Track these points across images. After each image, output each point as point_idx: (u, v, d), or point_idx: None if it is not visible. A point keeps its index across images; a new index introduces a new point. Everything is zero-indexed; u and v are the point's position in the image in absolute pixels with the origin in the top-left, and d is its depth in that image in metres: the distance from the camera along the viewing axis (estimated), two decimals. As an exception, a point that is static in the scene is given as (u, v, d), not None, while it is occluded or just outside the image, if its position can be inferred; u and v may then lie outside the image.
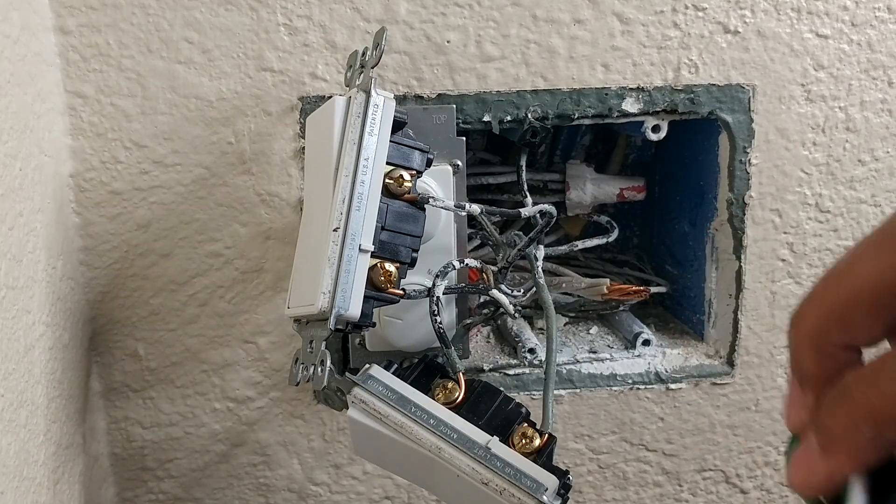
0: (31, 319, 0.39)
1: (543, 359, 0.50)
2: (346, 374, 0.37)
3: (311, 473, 0.52)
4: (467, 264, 0.43)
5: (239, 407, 0.50)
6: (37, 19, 0.42)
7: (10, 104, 0.37)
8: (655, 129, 0.48)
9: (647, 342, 0.53)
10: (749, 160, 0.48)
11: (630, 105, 0.47)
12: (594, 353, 0.53)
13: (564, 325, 0.57)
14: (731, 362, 0.52)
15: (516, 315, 0.45)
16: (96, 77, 0.44)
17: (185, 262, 0.47)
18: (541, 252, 0.45)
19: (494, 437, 0.36)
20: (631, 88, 0.47)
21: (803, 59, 0.47)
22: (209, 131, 0.45)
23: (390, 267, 0.37)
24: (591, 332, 0.56)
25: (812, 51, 0.47)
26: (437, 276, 0.41)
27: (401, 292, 0.38)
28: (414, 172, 0.39)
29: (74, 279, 0.46)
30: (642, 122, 0.48)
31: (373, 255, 0.37)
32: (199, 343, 0.49)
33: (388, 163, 0.38)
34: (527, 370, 0.51)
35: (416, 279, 0.43)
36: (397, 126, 0.38)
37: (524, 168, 0.51)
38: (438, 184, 0.44)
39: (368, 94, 0.37)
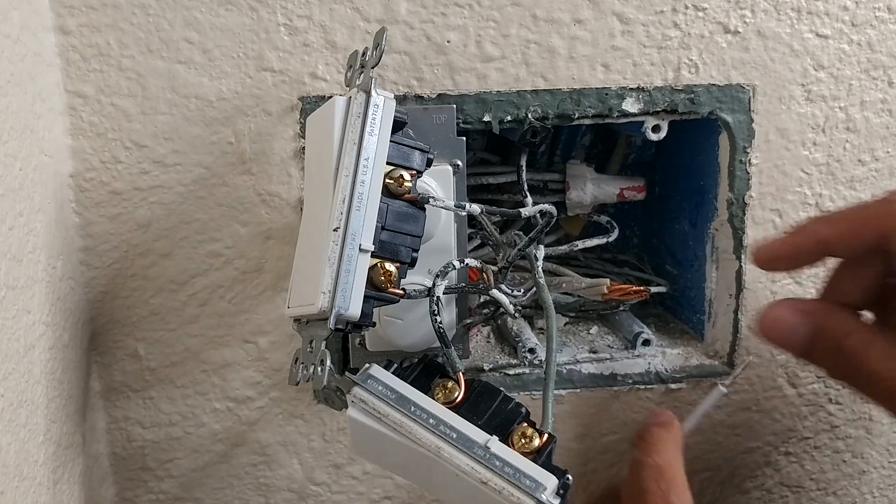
0: (31, 319, 0.39)
1: (543, 359, 0.50)
2: (346, 373, 0.37)
3: (311, 473, 0.52)
4: (467, 264, 0.43)
5: (239, 407, 0.50)
6: (37, 19, 0.42)
7: (10, 104, 0.37)
8: (655, 129, 0.48)
9: (646, 342, 0.53)
10: (749, 160, 0.48)
11: (630, 105, 0.47)
12: (594, 353, 0.53)
13: (564, 325, 0.57)
14: (731, 362, 0.52)
15: (516, 315, 0.45)
16: (96, 77, 0.44)
17: (185, 262, 0.47)
18: (541, 252, 0.45)
19: (494, 436, 0.36)
20: (631, 88, 0.47)
21: (803, 59, 0.47)
22: (209, 131, 0.45)
23: (390, 267, 0.37)
24: (591, 332, 0.56)
25: (812, 51, 0.47)
26: (437, 275, 0.41)
27: (401, 292, 0.38)
28: (414, 172, 0.39)
29: (74, 279, 0.46)
30: (642, 122, 0.48)
31: (373, 255, 0.36)
32: (199, 343, 0.49)
33: (388, 163, 0.38)
34: (527, 370, 0.51)
35: (416, 279, 0.43)
36: (397, 126, 0.38)
37: (524, 168, 0.51)
38: (438, 184, 0.44)
39: (368, 93, 0.37)
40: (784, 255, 0.40)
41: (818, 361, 0.40)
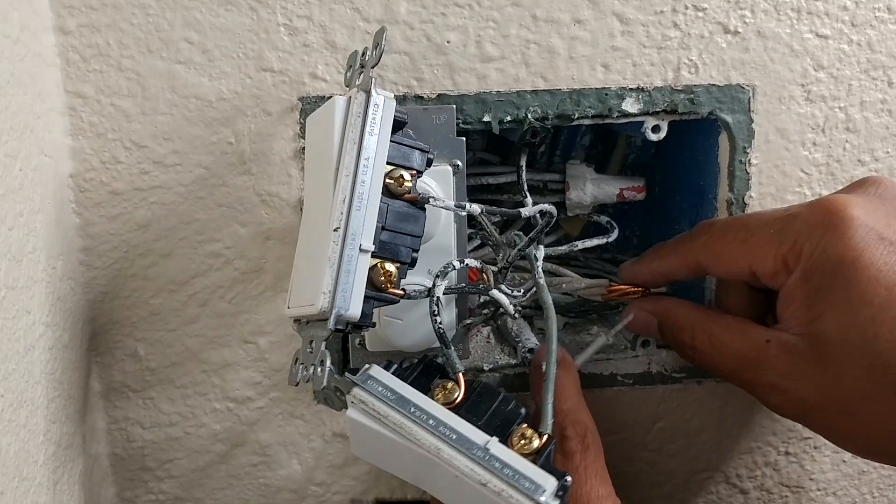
0: (31, 320, 0.39)
1: (543, 359, 0.50)
2: (346, 374, 0.37)
3: (311, 473, 0.52)
4: (467, 264, 0.43)
5: (239, 407, 0.50)
6: (37, 19, 0.42)
7: (10, 104, 0.38)
8: (655, 129, 0.48)
9: (646, 342, 0.53)
10: (749, 160, 0.49)
11: (630, 105, 0.47)
12: (594, 353, 0.53)
13: (564, 325, 0.57)
14: (731, 362, 0.52)
15: (516, 315, 0.44)
16: (96, 77, 0.44)
17: (185, 262, 0.47)
18: (541, 252, 0.45)
19: (493, 437, 0.36)
20: (631, 88, 0.47)
21: (803, 60, 0.47)
22: (209, 131, 0.45)
23: (390, 267, 0.37)
24: (591, 332, 0.56)
25: (812, 51, 0.47)
26: (437, 276, 0.41)
27: (401, 292, 0.38)
28: (414, 172, 0.38)
29: (74, 279, 0.46)
30: (642, 123, 0.48)
31: (373, 255, 0.36)
32: (199, 343, 0.49)
33: (388, 162, 0.38)
34: (527, 370, 0.51)
35: (416, 279, 0.43)
36: (397, 126, 0.38)
37: (524, 168, 0.51)
38: (438, 184, 0.44)
39: (368, 93, 0.37)
40: (634, 280, 0.49)
41: (672, 348, 0.49)
